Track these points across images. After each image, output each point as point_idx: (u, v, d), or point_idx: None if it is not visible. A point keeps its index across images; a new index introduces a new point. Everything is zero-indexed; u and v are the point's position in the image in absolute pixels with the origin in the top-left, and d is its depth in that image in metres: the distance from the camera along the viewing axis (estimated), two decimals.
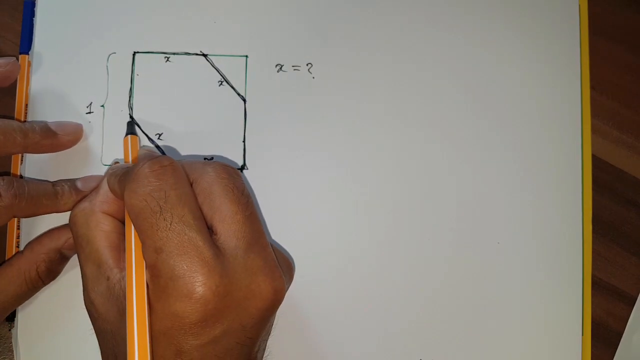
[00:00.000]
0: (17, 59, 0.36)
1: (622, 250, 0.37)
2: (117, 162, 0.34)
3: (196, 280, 0.26)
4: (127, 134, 0.34)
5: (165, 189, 0.27)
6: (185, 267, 0.26)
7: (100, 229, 0.30)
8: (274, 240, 0.35)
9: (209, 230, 0.28)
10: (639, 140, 0.38)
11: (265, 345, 0.30)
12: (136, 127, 0.35)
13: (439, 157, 0.36)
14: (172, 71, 0.36)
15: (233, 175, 0.29)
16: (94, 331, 0.29)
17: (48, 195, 0.32)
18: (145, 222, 0.27)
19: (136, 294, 0.27)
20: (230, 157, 0.36)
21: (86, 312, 0.34)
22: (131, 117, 0.36)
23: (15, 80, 0.35)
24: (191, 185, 0.29)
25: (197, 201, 0.28)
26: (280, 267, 0.29)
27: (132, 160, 0.33)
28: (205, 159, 0.36)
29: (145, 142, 0.36)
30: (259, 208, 0.35)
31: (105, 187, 0.31)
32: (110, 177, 0.31)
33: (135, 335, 0.26)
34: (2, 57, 0.35)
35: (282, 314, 0.31)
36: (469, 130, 0.37)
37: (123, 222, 0.30)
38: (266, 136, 0.36)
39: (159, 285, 0.26)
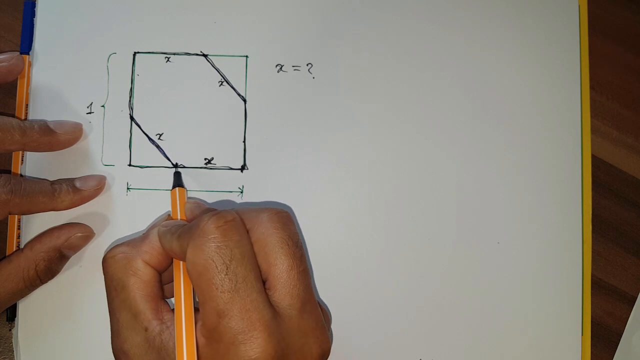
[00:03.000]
0: None
1: (622, 250, 0.37)
2: (170, 216, 0.33)
3: (257, 346, 0.25)
4: (173, 187, 0.33)
5: (231, 247, 0.26)
6: (248, 333, 0.25)
7: (139, 277, 0.28)
8: None
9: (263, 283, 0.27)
10: (638, 140, 0.38)
11: None
12: (181, 177, 0.34)
13: (439, 157, 0.36)
14: (173, 71, 0.36)
15: (287, 223, 0.29)
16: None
17: (45, 193, 0.32)
18: (210, 282, 0.26)
19: (187, 357, 0.26)
20: (230, 157, 0.36)
21: (86, 313, 0.34)
22: (178, 166, 0.35)
23: (16, 81, 0.35)
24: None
25: (255, 256, 0.28)
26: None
27: (180, 214, 0.32)
28: (205, 157, 0.36)
29: (145, 142, 0.36)
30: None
31: (153, 238, 0.30)
32: (165, 233, 0.29)
33: None
34: (5, 52, 0.35)
35: None
36: (469, 130, 0.37)
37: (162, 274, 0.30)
38: (266, 136, 0.36)
39: (219, 350, 0.26)
